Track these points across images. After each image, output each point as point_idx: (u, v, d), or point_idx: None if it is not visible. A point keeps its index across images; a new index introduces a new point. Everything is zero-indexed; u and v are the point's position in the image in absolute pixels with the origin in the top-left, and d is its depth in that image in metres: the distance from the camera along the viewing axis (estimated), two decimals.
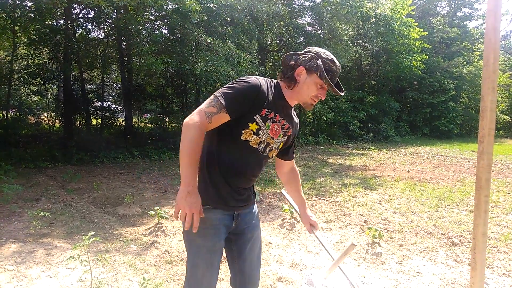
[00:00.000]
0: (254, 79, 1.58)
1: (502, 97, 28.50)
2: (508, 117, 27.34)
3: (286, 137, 1.76)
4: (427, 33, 19.83)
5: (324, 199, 6.08)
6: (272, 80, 1.70)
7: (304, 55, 1.62)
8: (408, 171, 9.28)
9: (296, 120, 1.84)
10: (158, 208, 4.56)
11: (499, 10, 0.78)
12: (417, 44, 18.79)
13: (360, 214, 5.20)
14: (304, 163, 10.17)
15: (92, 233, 3.54)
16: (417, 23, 19.04)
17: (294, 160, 2.04)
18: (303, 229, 4.52)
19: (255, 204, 1.90)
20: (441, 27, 23.68)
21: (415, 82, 22.58)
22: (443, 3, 27.12)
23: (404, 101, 23.19)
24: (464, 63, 23.78)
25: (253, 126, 1.57)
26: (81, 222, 4.57)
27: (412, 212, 5.35)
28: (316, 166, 9.82)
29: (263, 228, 4.49)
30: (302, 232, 4.39)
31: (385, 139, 18.83)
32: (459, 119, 23.23)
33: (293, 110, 1.80)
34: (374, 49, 19.96)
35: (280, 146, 1.77)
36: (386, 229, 4.53)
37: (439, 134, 22.41)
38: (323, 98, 1.68)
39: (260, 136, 1.61)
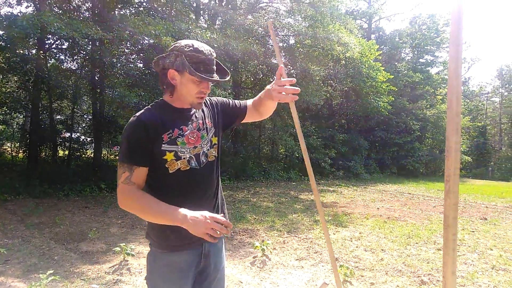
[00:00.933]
0: (133, 119, 1.49)
1: (463, 139, 30.10)
2: (469, 157, 28.76)
3: (212, 129, 1.66)
4: (393, 76, 20.98)
5: (296, 236, 6.03)
6: (155, 102, 1.60)
7: (168, 56, 1.49)
8: (378, 208, 9.43)
9: (208, 103, 1.73)
10: (124, 244, 4.37)
11: (460, 57, 0.85)
12: (384, 87, 19.77)
13: None
14: (276, 199, 10.14)
15: (51, 271, 3.33)
16: (383, 67, 20.15)
17: (247, 102, 1.84)
18: (274, 267, 4.44)
19: (223, 241, 1.78)
20: (405, 71, 25.14)
21: (382, 123, 23.52)
22: (407, 50, 29.01)
23: (372, 140, 23.98)
24: (428, 106, 25.16)
25: (169, 156, 1.48)
26: (40, 259, 4.28)
27: (382, 250, 5.38)
28: (288, 202, 9.81)
29: (233, 266, 4.37)
30: (274, 270, 4.31)
31: (355, 177, 19.20)
32: (424, 159, 24.21)
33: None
34: (344, 89, 20.80)
35: (215, 141, 1.65)
36: (357, 267, 4.52)
37: (406, 172, 23.18)
38: (208, 91, 1.54)
39: (183, 157, 1.51)
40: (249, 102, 1.83)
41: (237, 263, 4.54)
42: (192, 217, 1.32)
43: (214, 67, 1.53)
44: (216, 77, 1.51)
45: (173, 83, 1.50)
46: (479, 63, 70.33)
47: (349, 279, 3.99)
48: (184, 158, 1.51)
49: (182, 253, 1.54)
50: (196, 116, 1.62)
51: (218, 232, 1.31)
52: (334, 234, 6.31)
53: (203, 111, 1.66)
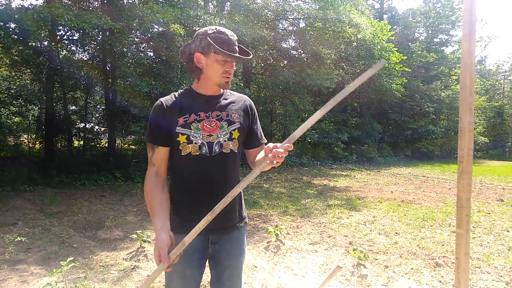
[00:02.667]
0: (156, 103, 1.63)
1: (479, 120, 29.45)
2: (485, 138, 28.19)
3: (236, 123, 1.66)
4: (406, 57, 20.50)
5: (309, 221, 6.06)
6: (183, 89, 1.71)
7: (193, 41, 1.59)
8: (392, 192, 9.37)
9: (244, 100, 1.76)
10: (140, 231, 4.46)
11: (473, 35, 0.82)
12: (397, 68, 19.38)
13: (345, 236, 5.19)
14: (289, 185, 10.16)
15: (71, 258, 3.43)
16: (396, 48, 19.71)
17: (261, 146, 1.79)
18: (288, 251, 4.48)
19: (241, 231, 1.76)
20: (419, 52, 24.56)
21: (396, 105, 23.13)
22: (421, 29, 28.24)
23: (386, 123, 23.70)
24: (442, 87, 24.61)
25: (181, 138, 1.57)
26: (60, 247, 4.41)
27: (396, 233, 5.37)
28: (301, 187, 9.83)
29: (247, 251, 4.42)
30: (288, 255, 4.35)
31: (368, 161, 19.07)
32: (439, 141, 23.84)
33: (229, 95, 1.74)
34: (356, 72, 20.47)
35: (236, 135, 1.65)
36: (371, 250, 4.53)
37: (420, 155, 22.88)
38: (233, 70, 1.61)
39: (194, 142, 1.57)
40: (261, 147, 1.80)
41: (251, 248, 4.59)
42: (156, 240, 1.45)
43: (236, 47, 1.59)
44: (238, 55, 1.58)
45: (200, 66, 1.59)
46: (496, 41, 68.30)
47: (363, 263, 4.00)
48: (195, 143, 1.57)
49: (184, 236, 1.58)
50: (221, 106, 1.66)
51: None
52: (347, 218, 6.31)
53: (234, 103, 1.70)
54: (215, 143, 1.59)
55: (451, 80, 26.01)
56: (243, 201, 1.81)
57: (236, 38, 1.61)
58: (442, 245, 4.77)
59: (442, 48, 27.71)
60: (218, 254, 1.69)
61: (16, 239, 4.17)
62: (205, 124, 1.59)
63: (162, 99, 1.63)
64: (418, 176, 13.42)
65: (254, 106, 1.79)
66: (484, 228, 5.77)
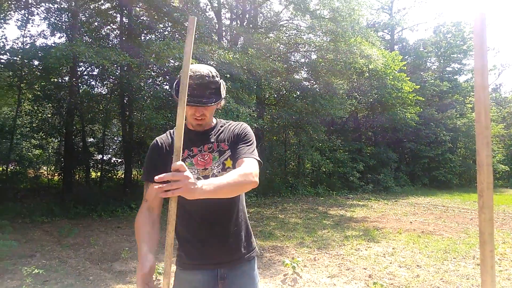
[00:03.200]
0: (152, 142, 1.67)
1: (498, 147, 28.80)
2: (506, 167, 27.43)
3: (227, 152, 1.62)
4: (419, 86, 20.51)
5: (326, 253, 5.93)
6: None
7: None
8: (411, 222, 9.13)
9: (231, 126, 1.70)
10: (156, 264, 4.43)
11: (486, 69, 0.84)
12: (410, 97, 19.38)
13: (364, 268, 5.04)
14: (304, 215, 10.02)
15: None
16: (409, 78, 19.79)
17: (246, 162, 1.52)
18: (306, 285, 4.36)
19: (251, 265, 1.71)
20: (432, 81, 24.54)
21: (411, 134, 22.92)
22: (433, 59, 28.34)
23: (402, 152, 23.39)
24: (458, 115, 24.36)
25: None
26: (76, 279, 4.41)
27: (418, 266, 5.19)
28: (317, 218, 9.67)
29: (264, 285, 4.33)
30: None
31: (385, 190, 18.72)
32: (457, 170, 23.32)
33: (222, 125, 1.71)
34: (369, 101, 20.55)
35: (229, 164, 1.60)
36: (392, 284, 4.38)
37: (438, 184, 22.34)
38: (198, 115, 1.55)
39: None
40: (239, 164, 1.56)
41: (268, 281, 4.49)
42: (141, 265, 1.45)
43: (208, 90, 1.52)
44: (202, 103, 1.49)
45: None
46: (510, 68, 67.91)
47: None
48: None
49: (195, 272, 1.60)
50: (212, 138, 1.65)
51: None
52: (366, 250, 6.15)
53: (223, 132, 1.67)
54: (210, 175, 1.57)
55: (466, 108, 25.76)
56: (251, 230, 1.75)
57: (206, 80, 1.52)
58: (467, 279, 4.58)
59: (455, 77, 27.63)
60: None
61: (34, 272, 4.19)
62: (198, 159, 1.59)
63: (157, 138, 1.67)
64: (438, 206, 13.07)
65: (243, 127, 1.69)
66: (511, 260, 5.53)
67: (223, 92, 1.60)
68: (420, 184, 22.15)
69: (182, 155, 1.56)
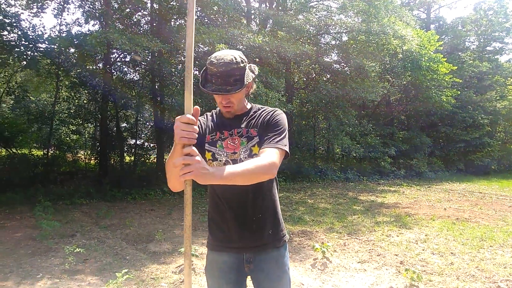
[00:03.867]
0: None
1: None
2: None
3: (255, 138, 1.62)
4: (456, 67, 19.53)
5: (357, 238, 5.89)
6: (216, 110, 1.77)
7: None
8: (445, 209, 8.88)
9: (263, 112, 1.69)
10: None
11: None
12: (447, 79, 18.52)
13: (396, 255, 4.98)
14: (334, 200, 9.96)
15: (125, 270, 3.59)
16: (445, 58, 18.88)
17: (269, 152, 1.51)
18: (336, 269, 4.37)
19: (280, 252, 1.70)
20: (471, 61, 23.31)
21: (446, 118, 22.01)
22: (472, 38, 26.81)
23: (436, 136, 22.54)
24: (498, 98, 23.08)
25: (208, 155, 1.62)
26: (114, 259, 4.63)
27: (452, 253, 5.06)
28: (347, 203, 9.59)
29: (294, 268, 4.37)
30: (335, 273, 4.25)
31: (417, 176, 18.22)
32: (496, 154, 22.23)
33: (256, 111, 1.71)
34: (403, 84, 19.85)
35: (256, 150, 1.59)
36: (424, 271, 4.30)
37: (475, 169, 21.43)
38: (224, 102, 1.58)
39: (219, 159, 1.61)
40: (263, 149, 1.56)
41: (297, 265, 4.54)
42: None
43: (232, 78, 1.52)
44: (225, 91, 1.51)
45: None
46: None
47: (416, 284, 3.81)
48: (220, 161, 1.61)
49: (221, 253, 1.67)
50: (243, 123, 1.67)
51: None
52: (397, 236, 6.06)
53: (254, 118, 1.68)
54: (238, 160, 1.59)
55: (507, 90, 24.36)
56: (279, 218, 1.74)
57: (227, 65, 1.51)
58: (505, 268, 4.43)
59: (496, 57, 26.07)
60: (256, 274, 1.68)
61: (75, 250, 4.44)
62: (228, 142, 1.62)
63: (200, 117, 1.69)
64: (474, 192, 12.61)
65: (275, 114, 1.67)
66: None
67: (249, 77, 1.58)
68: (455, 170, 21.37)
69: (214, 137, 1.64)
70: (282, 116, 1.67)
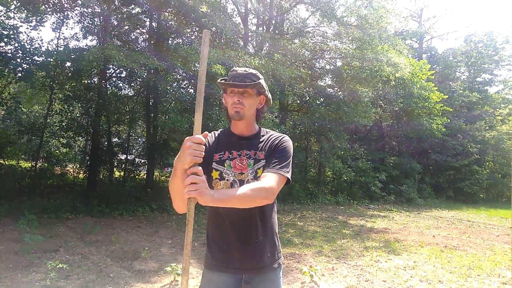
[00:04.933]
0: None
1: None
2: None
3: (262, 161, 1.65)
4: (447, 96, 19.99)
5: (345, 263, 5.84)
6: (222, 129, 1.82)
7: None
8: (433, 236, 8.88)
9: (272, 137, 1.73)
10: (174, 264, 4.49)
11: None
12: (437, 107, 18.90)
13: (384, 281, 4.94)
14: (324, 223, 9.91)
15: None
16: (437, 87, 19.32)
17: (270, 177, 1.55)
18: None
19: (276, 273, 1.74)
20: (461, 91, 23.86)
21: (436, 145, 22.30)
22: (462, 69, 27.56)
23: (426, 163, 22.78)
24: (487, 128, 23.55)
25: (215, 174, 1.64)
26: (97, 276, 4.52)
27: (440, 281, 5.04)
28: (337, 227, 9.55)
29: None
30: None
31: (407, 201, 18.28)
32: (484, 183, 22.45)
33: (264, 134, 1.76)
34: (395, 110, 20.17)
35: (260, 173, 1.62)
36: None
37: (464, 197, 21.59)
38: (237, 100, 1.64)
39: (226, 178, 1.63)
40: (265, 173, 1.61)
41: None
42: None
43: (248, 80, 1.66)
44: (237, 81, 1.65)
45: (225, 105, 1.73)
46: None
47: None
48: (227, 180, 1.62)
49: (221, 273, 1.66)
50: (252, 144, 1.70)
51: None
52: (386, 262, 6.03)
53: (263, 142, 1.72)
54: (245, 181, 1.62)
55: (496, 120, 24.89)
56: (277, 241, 1.77)
57: (246, 72, 1.68)
58: None
59: (485, 88, 26.77)
60: None
61: (57, 266, 4.33)
62: (236, 162, 1.64)
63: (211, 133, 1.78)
64: (463, 220, 12.66)
65: (282, 141, 1.70)
66: None
67: (264, 86, 1.70)
68: (444, 197, 21.51)
69: (222, 157, 1.66)
70: (289, 143, 1.72)
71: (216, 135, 1.75)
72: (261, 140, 1.73)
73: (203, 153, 1.40)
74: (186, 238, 1.42)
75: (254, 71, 1.70)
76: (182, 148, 1.39)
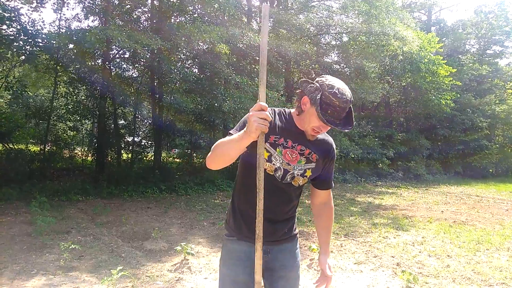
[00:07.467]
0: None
1: None
2: None
3: (313, 163, 1.70)
4: (456, 70, 19.54)
5: (353, 239, 5.87)
6: (285, 110, 1.76)
7: (311, 85, 1.60)
8: (442, 211, 8.87)
9: (328, 145, 1.78)
10: (184, 244, 4.54)
11: None
12: (446, 82, 18.53)
13: (392, 256, 4.96)
14: None
15: (120, 267, 3.55)
16: (445, 61, 18.88)
17: (330, 193, 1.92)
18: (332, 270, 4.34)
19: (294, 243, 1.83)
20: (471, 64, 23.31)
21: (445, 120, 22.00)
22: (472, 41, 26.82)
23: (434, 139, 22.55)
24: (497, 101, 23.10)
25: (265, 154, 1.61)
26: (109, 256, 4.60)
27: (448, 256, 5.05)
28: (344, 204, 9.58)
29: None
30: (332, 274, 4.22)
31: (415, 178, 18.24)
32: (493, 158, 22.24)
33: (321, 135, 1.75)
34: (402, 85, 19.85)
35: (308, 174, 1.71)
36: (420, 273, 4.29)
37: (473, 173, 21.47)
38: (323, 131, 1.65)
39: (273, 162, 1.64)
40: (325, 192, 1.93)
41: None
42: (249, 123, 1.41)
43: (344, 114, 1.58)
44: (336, 125, 1.57)
45: (303, 108, 1.64)
46: None
47: (412, 286, 3.80)
48: (273, 164, 1.64)
49: (241, 242, 1.71)
50: (308, 143, 1.70)
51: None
52: (394, 238, 6.05)
53: (319, 145, 1.74)
54: (289, 172, 1.66)
55: (506, 94, 24.39)
56: (295, 220, 1.86)
57: (349, 104, 1.58)
58: (500, 271, 4.42)
59: (496, 60, 26.08)
60: (271, 264, 1.73)
61: (70, 247, 4.41)
62: (287, 153, 1.66)
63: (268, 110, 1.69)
64: (471, 196, 12.62)
65: (335, 151, 1.83)
66: None
67: (354, 116, 1.68)
68: (452, 173, 21.41)
69: (277, 141, 1.65)
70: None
71: (276, 114, 1.72)
72: (319, 141, 1.74)
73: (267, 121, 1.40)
74: (258, 205, 1.49)
75: (351, 98, 1.59)
76: (251, 119, 1.38)
